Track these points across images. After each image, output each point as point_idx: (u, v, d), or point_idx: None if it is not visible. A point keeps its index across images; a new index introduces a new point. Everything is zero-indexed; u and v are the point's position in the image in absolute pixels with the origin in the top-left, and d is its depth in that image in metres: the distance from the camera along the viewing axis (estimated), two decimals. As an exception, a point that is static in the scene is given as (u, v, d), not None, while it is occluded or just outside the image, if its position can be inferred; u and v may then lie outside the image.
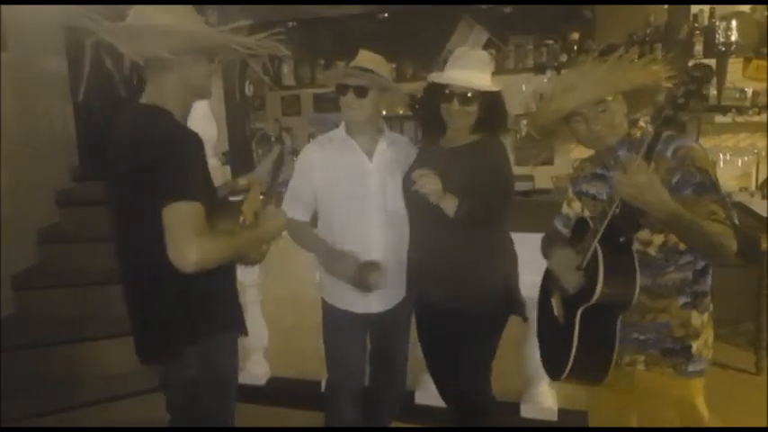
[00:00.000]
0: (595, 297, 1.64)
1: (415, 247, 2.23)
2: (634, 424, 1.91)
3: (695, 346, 1.71)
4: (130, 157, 1.61)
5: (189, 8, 1.69)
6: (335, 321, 2.33)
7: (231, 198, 1.98)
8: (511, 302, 2.19)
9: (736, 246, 1.54)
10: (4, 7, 3.37)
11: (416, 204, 2.17)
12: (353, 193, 2.21)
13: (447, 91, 2.09)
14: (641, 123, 1.79)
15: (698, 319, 1.72)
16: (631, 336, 1.75)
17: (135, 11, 1.61)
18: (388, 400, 2.51)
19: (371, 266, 2.13)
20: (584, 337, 1.72)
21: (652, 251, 1.70)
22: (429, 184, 1.93)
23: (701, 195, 1.58)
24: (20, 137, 3.52)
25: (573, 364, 1.73)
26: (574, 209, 1.95)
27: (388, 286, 2.23)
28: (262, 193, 1.88)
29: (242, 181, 2.05)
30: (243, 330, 1.91)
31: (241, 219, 1.82)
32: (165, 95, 1.66)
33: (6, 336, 3.11)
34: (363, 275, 2.11)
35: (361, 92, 2.15)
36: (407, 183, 2.21)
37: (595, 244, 1.67)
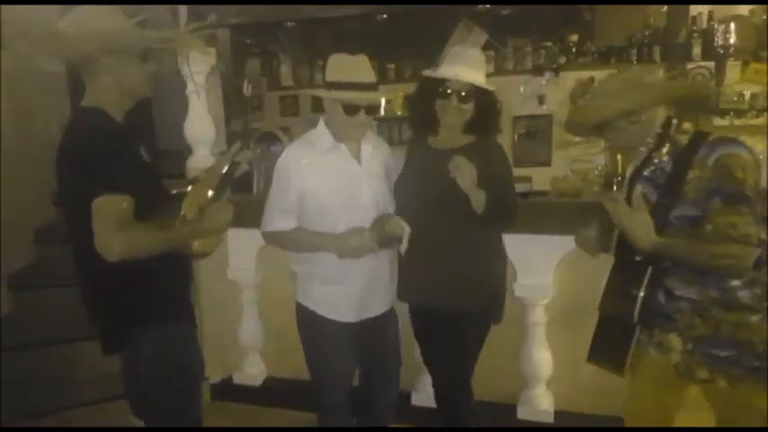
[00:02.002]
0: (598, 305, 1.73)
1: (409, 248, 2.19)
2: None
3: None
4: (65, 157, 1.74)
5: (113, 10, 1.78)
6: (326, 332, 2.23)
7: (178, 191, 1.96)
8: (497, 308, 2.21)
9: (750, 261, 1.55)
10: (2, 6, 3.36)
11: (411, 207, 2.16)
12: (346, 198, 2.14)
13: (443, 88, 2.07)
14: (685, 128, 1.73)
15: None
16: (706, 350, 1.69)
17: (66, 17, 1.72)
18: (384, 402, 2.49)
19: (383, 220, 2.07)
20: (602, 332, 1.82)
21: None
22: (466, 174, 1.92)
23: (727, 206, 1.56)
24: (16, 136, 3.51)
25: (592, 349, 1.86)
26: None
27: (385, 288, 2.23)
28: (211, 189, 1.86)
29: (202, 175, 2.01)
30: (193, 323, 1.98)
31: (182, 213, 1.82)
32: (101, 97, 1.77)
33: (3, 335, 3.10)
34: (382, 232, 2.05)
35: (373, 110, 2.11)
36: (400, 185, 2.20)
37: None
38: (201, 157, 3.33)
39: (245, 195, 3.24)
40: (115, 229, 1.58)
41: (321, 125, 2.17)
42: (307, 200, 2.15)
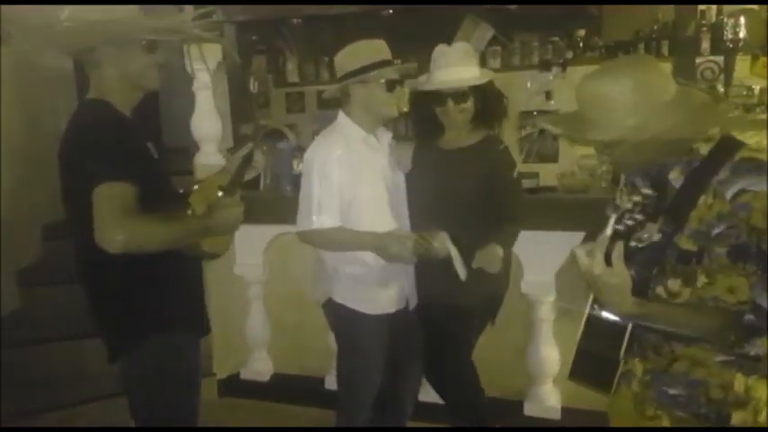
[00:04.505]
0: (578, 335, 1.56)
1: None
2: None
3: (736, 417, 1.36)
4: (67, 148, 1.67)
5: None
6: (366, 329, 2.19)
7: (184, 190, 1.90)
8: (495, 305, 2.23)
9: (732, 333, 1.28)
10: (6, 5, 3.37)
11: (419, 206, 2.16)
12: (379, 188, 2.13)
13: (438, 95, 2.07)
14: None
15: (743, 383, 1.36)
16: (657, 385, 1.47)
17: (68, 11, 1.64)
18: (409, 399, 2.45)
19: (429, 234, 2.00)
20: (585, 349, 1.62)
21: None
22: (494, 264, 1.97)
23: (734, 262, 1.27)
24: (25, 132, 3.53)
25: (574, 366, 1.67)
26: (624, 202, 1.55)
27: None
28: (221, 188, 1.74)
29: (211, 176, 1.94)
30: (204, 331, 1.92)
31: (189, 211, 1.74)
32: (105, 89, 1.70)
33: (11, 331, 3.12)
34: (426, 245, 1.97)
35: (392, 86, 2.05)
36: (408, 184, 2.21)
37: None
38: (208, 154, 3.33)
39: (251, 191, 3.24)
40: (118, 217, 1.45)
41: (343, 117, 2.11)
42: (344, 193, 2.09)
